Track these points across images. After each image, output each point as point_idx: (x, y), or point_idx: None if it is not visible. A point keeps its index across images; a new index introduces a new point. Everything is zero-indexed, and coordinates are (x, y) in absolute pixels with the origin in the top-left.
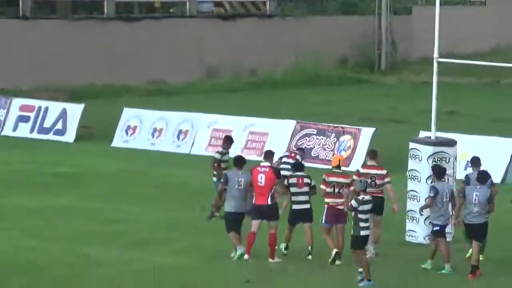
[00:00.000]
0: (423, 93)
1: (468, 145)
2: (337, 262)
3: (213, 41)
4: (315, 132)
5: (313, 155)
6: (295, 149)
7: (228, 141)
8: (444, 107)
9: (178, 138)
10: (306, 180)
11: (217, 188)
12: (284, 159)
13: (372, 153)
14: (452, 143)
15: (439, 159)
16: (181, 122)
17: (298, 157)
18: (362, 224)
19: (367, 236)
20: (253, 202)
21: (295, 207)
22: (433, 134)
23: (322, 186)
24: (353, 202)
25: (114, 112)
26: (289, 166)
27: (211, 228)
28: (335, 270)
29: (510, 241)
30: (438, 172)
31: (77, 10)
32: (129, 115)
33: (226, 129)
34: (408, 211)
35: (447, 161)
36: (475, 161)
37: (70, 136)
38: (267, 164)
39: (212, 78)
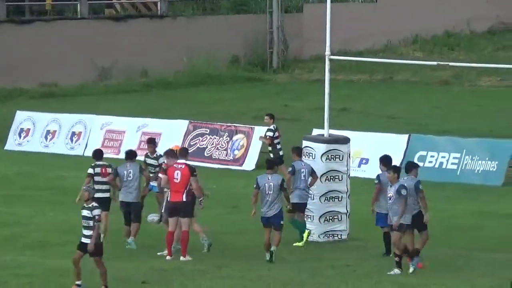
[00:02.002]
0: (316, 90)
1: (361, 142)
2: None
3: (105, 42)
4: (208, 132)
5: (206, 155)
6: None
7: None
8: (337, 105)
9: (72, 140)
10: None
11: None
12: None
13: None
14: (345, 140)
15: (332, 156)
16: (74, 124)
17: None
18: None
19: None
20: (168, 199)
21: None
22: (326, 131)
23: (161, 175)
24: (98, 211)
25: (6, 115)
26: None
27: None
28: (230, 272)
29: None
30: (268, 164)
31: None
32: (22, 118)
33: (120, 130)
34: None
35: (340, 158)
36: (385, 161)
37: None
38: (183, 161)
39: (104, 79)
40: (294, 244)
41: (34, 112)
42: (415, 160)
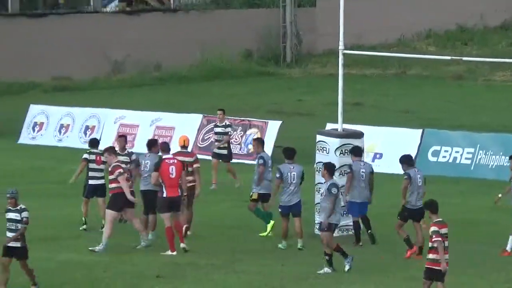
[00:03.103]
0: (329, 85)
1: (375, 136)
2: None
3: (118, 36)
4: None
5: None
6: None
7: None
8: (350, 99)
9: (85, 134)
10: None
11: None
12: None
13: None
14: (359, 135)
15: (346, 151)
16: (88, 118)
17: None
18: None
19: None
20: (164, 195)
21: None
22: (340, 126)
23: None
24: (27, 213)
25: (20, 109)
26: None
27: (119, 224)
28: (244, 267)
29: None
30: (288, 153)
31: None
32: (36, 111)
33: (133, 124)
34: (316, 204)
35: None
36: (357, 151)
37: None
38: (170, 156)
39: (118, 73)
40: (260, 234)
41: (47, 105)
42: (429, 155)
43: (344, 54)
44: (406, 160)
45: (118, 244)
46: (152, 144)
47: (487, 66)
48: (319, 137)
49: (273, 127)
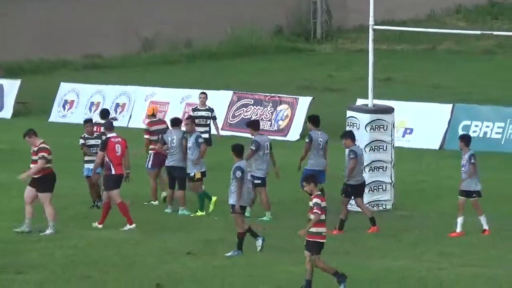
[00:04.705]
0: (359, 60)
1: (405, 112)
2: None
3: (148, 13)
4: (252, 102)
5: None
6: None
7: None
8: (380, 75)
9: (116, 111)
10: None
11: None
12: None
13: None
14: (389, 110)
15: (376, 126)
16: (118, 95)
17: None
18: None
19: None
20: (112, 173)
21: None
22: (370, 101)
23: (146, 136)
24: None
25: (51, 87)
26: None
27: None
28: (274, 242)
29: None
30: (315, 121)
31: None
32: (66, 89)
33: (164, 101)
34: None
35: (385, 128)
36: (315, 120)
37: (7, 112)
38: (115, 134)
39: (148, 50)
40: (197, 214)
41: (78, 84)
42: (459, 130)
43: (374, 30)
44: (351, 135)
45: (148, 221)
46: (176, 122)
47: None
48: (349, 113)
49: (304, 103)
